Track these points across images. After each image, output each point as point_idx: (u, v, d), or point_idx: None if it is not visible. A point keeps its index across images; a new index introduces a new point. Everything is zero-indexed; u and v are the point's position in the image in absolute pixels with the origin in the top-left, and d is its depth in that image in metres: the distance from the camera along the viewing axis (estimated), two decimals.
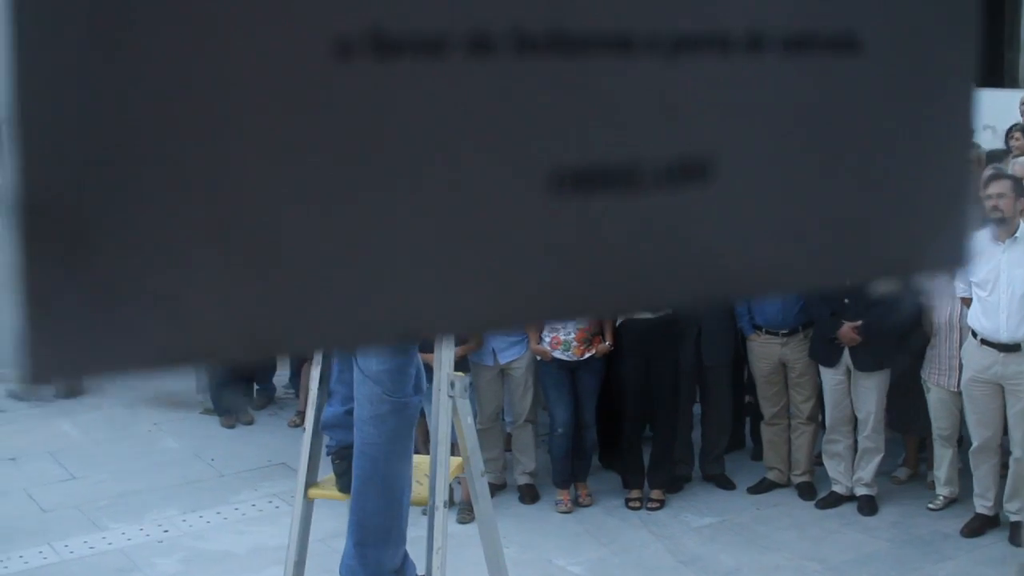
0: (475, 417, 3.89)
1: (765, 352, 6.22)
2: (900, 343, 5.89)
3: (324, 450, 3.73)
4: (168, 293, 0.48)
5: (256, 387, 7.77)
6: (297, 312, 0.50)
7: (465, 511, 5.62)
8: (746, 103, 0.59)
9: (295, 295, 0.50)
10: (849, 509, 6.11)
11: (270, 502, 6.31)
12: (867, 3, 0.62)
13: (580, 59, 0.54)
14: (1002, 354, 5.49)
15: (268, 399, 7.81)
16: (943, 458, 6.01)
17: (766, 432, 6.41)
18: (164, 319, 0.48)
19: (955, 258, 0.67)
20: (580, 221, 0.55)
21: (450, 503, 3.71)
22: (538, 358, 6.13)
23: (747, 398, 6.74)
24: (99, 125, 0.46)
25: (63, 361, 0.47)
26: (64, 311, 0.46)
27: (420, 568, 3.63)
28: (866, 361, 5.91)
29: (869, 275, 0.65)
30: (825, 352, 6.05)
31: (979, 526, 5.78)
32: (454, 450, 3.66)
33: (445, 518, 3.53)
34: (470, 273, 0.53)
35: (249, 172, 0.49)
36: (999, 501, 5.76)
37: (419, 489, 3.67)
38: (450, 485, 3.76)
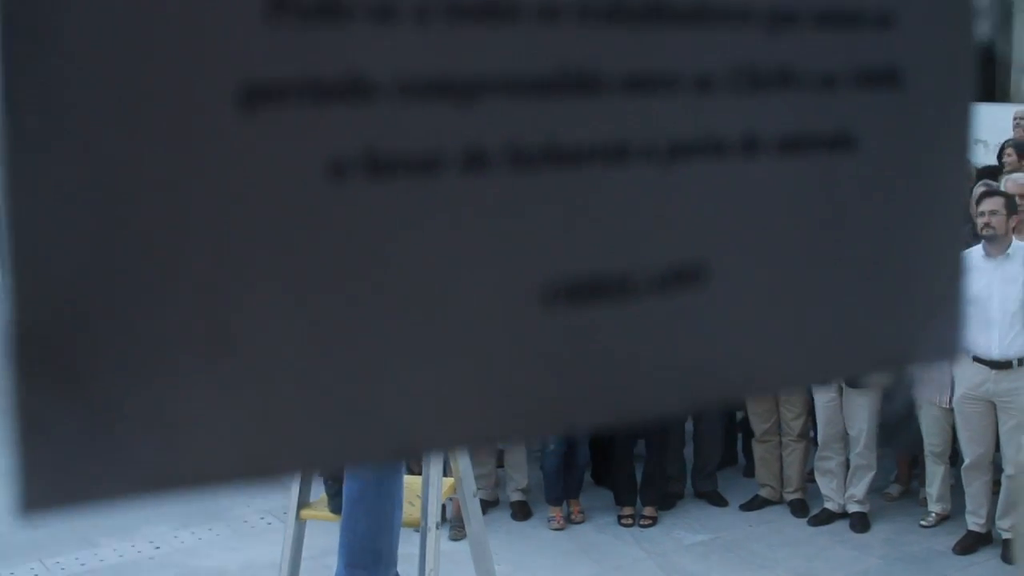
0: None
1: None
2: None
3: None
4: (164, 418, 0.47)
5: None
6: (291, 433, 0.50)
7: (457, 527, 5.60)
8: (741, 206, 0.59)
9: (290, 416, 0.49)
10: (842, 526, 6.11)
11: (262, 518, 6.29)
12: (861, 100, 0.62)
13: (575, 170, 0.54)
14: (994, 371, 5.49)
15: None
16: (935, 475, 6.01)
17: (758, 449, 6.40)
18: (160, 444, 0.47)
19: (950, 348, 0.67)
20: (574, 332, 0.55)
21: (442, 520, 3.71)
22: None
23: (739, 414, 6.74)
24: (92, 251, 0.46)
25: (58, 489, 0.46)
26: (59, 438, 0.46)
27: None
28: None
29: (865, 369, 0.65)
30: None
31: (972, 543, 5.78)
32: (446, 470, 3.66)
33: (438, 540, 3.53)
34: (464, 389, 0.52)
35: (242, 293, 0.48)
36: (992, 518, 5.76)
37: (411, 510, 3.67)
38: (442, 504, 3.76)
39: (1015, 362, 5.44)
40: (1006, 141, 7.23)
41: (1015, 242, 5.51)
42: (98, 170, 0.46)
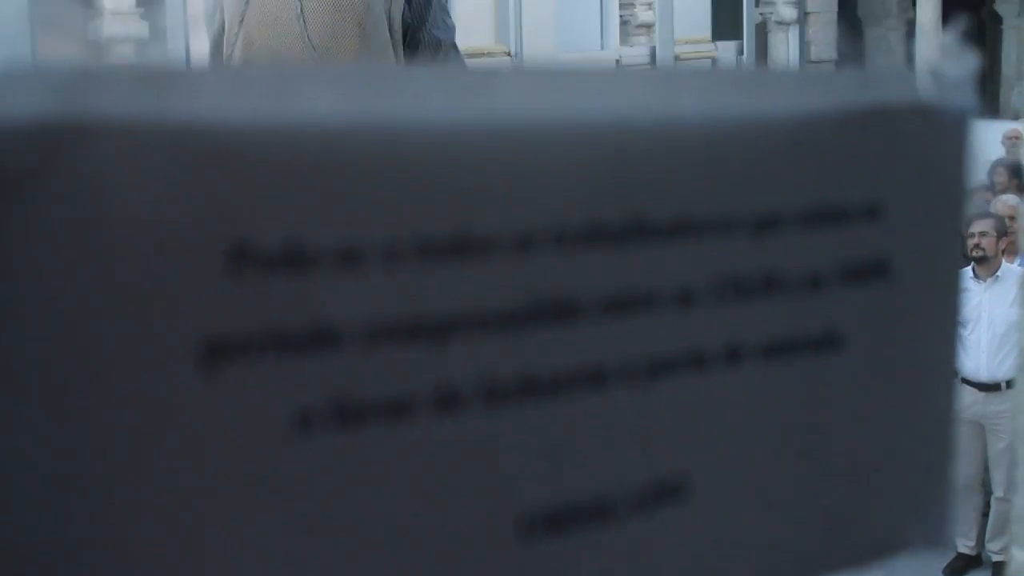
0: None
1: None
2: None
3: None
4: None
5: None
6: None
7: None
8: (723, 416, 0.57)
9: None
10: None
11: None
12: (848, 296, 0.60)
13: (551, 400, 0.52)
14: (983, 393, 5.50)
15: None
16: None
17: None
18: None
19: (937, 536, 0.65)
20: (553, 560, 0.53)
21: None
22: None
23: None
24: (49, 508, 0.44)
25: None
26: None
27: None
28: None
29: (852, 563, 0.63)
30: None
31: (962, 566, 5.78)
32: None
33: None
34: None
35: (205, 551, 0.46)
36: (981, 541, 5.76)
37: None
38: None
39: (1004, 384, 5.44)
40: (996, 161, 7.21)
41: (1005, 264, 5.52)
42: (55, 431, 0.44)
